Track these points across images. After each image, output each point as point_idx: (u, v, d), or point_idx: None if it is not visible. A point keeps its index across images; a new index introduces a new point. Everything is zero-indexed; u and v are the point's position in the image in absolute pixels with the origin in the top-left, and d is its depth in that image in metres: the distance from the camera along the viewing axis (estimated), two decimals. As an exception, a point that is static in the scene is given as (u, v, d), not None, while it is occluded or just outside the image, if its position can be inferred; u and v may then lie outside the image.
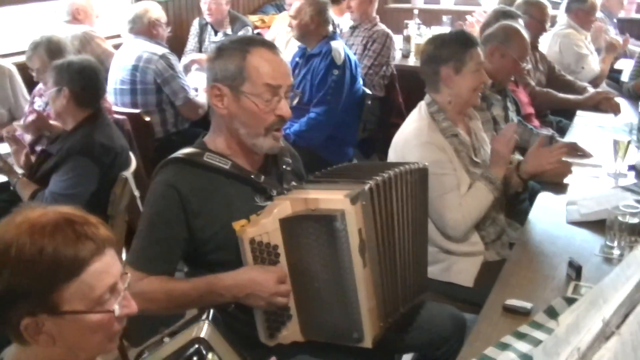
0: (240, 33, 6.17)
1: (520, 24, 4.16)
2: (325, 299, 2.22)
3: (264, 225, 2.17)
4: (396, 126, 3.35)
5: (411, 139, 3.09)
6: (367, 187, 2.20)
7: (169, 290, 2.25)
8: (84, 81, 3.59)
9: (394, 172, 2.35)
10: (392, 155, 3.19)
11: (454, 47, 3.11)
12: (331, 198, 2.18)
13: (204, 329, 1.56)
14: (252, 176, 2.40)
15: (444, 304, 2.82)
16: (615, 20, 7.26)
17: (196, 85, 5.35)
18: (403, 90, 5.97)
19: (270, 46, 2.35)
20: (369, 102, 5.22)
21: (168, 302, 2.27)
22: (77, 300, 1.43)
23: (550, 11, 5.37)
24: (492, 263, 3.13)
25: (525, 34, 3.97)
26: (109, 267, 1.48)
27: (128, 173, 3.67)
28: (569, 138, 4.35)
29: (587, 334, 1.87)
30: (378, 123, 5.91)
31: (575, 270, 2.60)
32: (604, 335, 1.84)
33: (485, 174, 3.11)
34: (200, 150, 2.39)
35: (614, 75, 6.26)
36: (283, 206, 2.21)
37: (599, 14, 6.45)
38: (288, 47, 6.15)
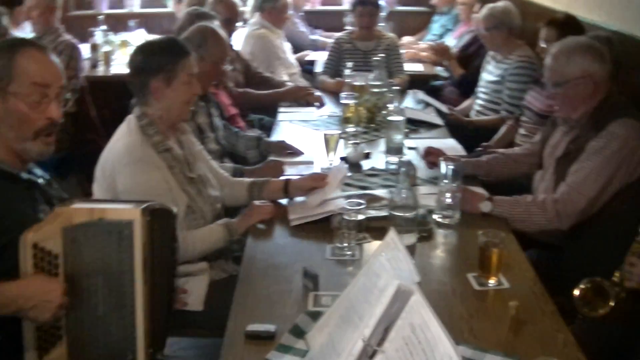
0: None
1: (216, 25, 3.98)
2: (102, 316, 2.13)
3: (47, 231, 2.08)
4: (93, 142, 3.03)
5: (122, 156, 2.82)
6: (153, 205, 2.17)
7: None
8: None
9: (167, 207, 2.30)
10: (100, 175, 2.90)
11: (164, 57, 2.89)
12: (120, 208, 2.15)
13: None
14: (41, 182, 2.32)
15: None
16: (302, 14, 7.42)
17: None
18: (96, 102, 5.56)
19: (41, 47, 2.29)
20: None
21: None
22: None
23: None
24: (220, 281, 2.96)
25: (223, 34, 3.82)
26: None
27: None
28: (275, 136, 4.28)
29: (348, 356, 1.72)
30: (72, 141, 5.45)
31: (312, 279, 2.47)
32: (367, 355, 1.72)
33: (228, 224, 2.96)
34: None
35: (307, 68, 6.35)
36: (67, 215, 2.11)
37: (286, 9, 6.52)
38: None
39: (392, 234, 2.04)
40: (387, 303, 1.72)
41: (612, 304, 2.57)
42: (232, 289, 2.55)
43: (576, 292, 2.59)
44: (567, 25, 4.18)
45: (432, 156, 3.52)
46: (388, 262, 1.91)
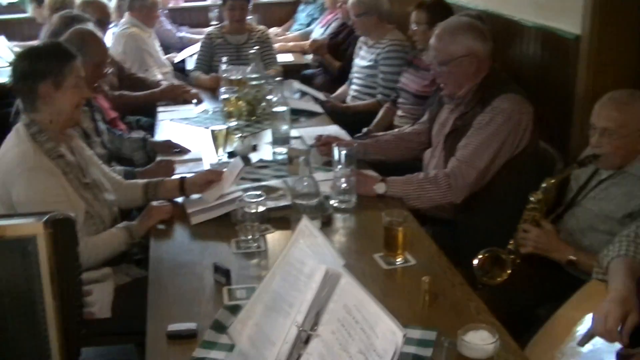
0: None
1: (92, 27, 3.87)
2: (13, 337, 2.01)
3: None
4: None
5: (14, 166, 2.71)
6: (54, 216, 2.05)
7: None
8: None
9: (67, 215, 2.17)
10: None
11: (51, 60, 2.79)
12: (20, 223, 2.04)
13: None
14: None
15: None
16: (166, 12, 7.30)
17: None
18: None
19: None
20: None
21: None
22: None
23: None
24: (125, 286, 2.90)
25: (101, 36, 3.72)
26: None
27: None
28: (160, 136, 4.21)
29: (284, 344, 1.74)
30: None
31: (224, 274, 2.45)
32: (301, 340, 1.74)
33: (128, 227, 2.90)
34: None
35: (180, 65, 6.28)
36: None
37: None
38: None
39: (305, 222, 2.03)
40: (317, 288, 1.74)
41: (509, 271, 2.70)
42: (139, 292, 2.53)
43: (475, 261, 2.71)
44: (435, 7, 4.32)
45: (326, 140, 3.55)
46: (309, 249, 1.92)
